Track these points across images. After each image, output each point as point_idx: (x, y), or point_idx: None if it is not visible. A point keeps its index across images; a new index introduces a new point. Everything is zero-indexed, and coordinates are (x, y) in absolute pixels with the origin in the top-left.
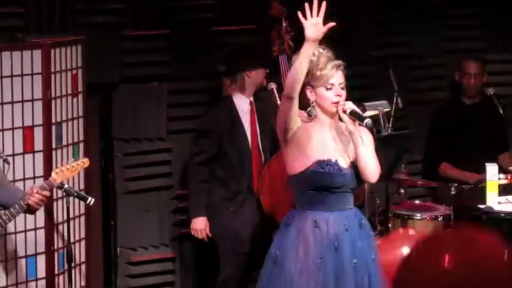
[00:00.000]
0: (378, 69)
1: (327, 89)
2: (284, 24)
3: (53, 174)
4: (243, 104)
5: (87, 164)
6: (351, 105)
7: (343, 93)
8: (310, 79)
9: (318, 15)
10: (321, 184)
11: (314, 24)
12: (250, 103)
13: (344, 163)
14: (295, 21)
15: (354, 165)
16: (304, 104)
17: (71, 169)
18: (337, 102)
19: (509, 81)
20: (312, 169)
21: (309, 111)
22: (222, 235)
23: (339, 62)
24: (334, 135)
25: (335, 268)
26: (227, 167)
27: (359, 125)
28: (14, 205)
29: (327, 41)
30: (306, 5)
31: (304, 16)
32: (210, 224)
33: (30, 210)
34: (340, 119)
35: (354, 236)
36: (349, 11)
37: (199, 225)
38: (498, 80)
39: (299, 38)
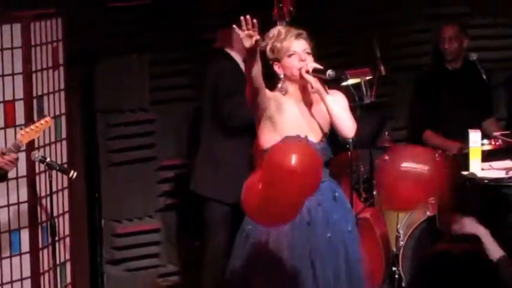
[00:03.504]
0: (361, 36)
1: (289, 56)
2: None
3: (18, 136)
4: (239, 61)
5: (50, 123)
6: (312, 64)
7: (309, 57)
8: (276, 54)
9: (252, 27)
10: None
11: (248, 35)
12: (244, 61)
13: (315, 138)
14: None
15: (328, 138)
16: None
17: (35, 129)
18: (300, 69)
19: (493, 46)
20: None
21: (279, 87)
22: (221, 196)
23: (299, 31)
24: (307, 109)
25: (309, 242)
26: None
27: (324, 78)
28: None
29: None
30: (242, 18)
31: (240, 28)
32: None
33: (1, 174)
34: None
35: (328, 209)
36: None
37: None
38: (482, 45)
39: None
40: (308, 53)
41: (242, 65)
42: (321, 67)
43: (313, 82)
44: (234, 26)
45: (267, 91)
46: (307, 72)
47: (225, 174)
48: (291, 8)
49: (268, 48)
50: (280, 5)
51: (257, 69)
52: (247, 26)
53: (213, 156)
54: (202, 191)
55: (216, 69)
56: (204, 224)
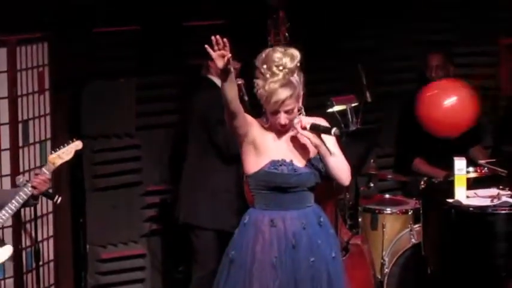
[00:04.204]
0: (347, 62)
1: (272, 114)
2: (281, 15)
3: (49, 158)
4: None
5: (80, 146)
6: (307, 120)
7: (290, 117)
8: (260, 99)
9: (224, 47)
10: (275, 184)
11: (220, 55)
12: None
13: (300, 163)
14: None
15: (312, 164)
16: None
17: (66, 152)
18: (284, 126)
19: (478, 74)
20: (265, 169)
21: (262, 117)
22: (208, 223)
23: (285, 94)
24: (290, 134)
25: (293, 266)
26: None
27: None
28: (18, 193)
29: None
30: (213, 38)
31: (212, 49)
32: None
33: (35, 195)
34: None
35: (312, 234)
36: (318, 3)
37: None
38: (467, 72)
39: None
40: (290, 113)
41: None
42: (317, 123)
43: (312, 138)
44: (206, 46)
45: (248, 116)
46: (304, 128)
47: (214, 201)
48: (286, 34)
49: (255, 89)
50: (276, 30)
51: (233, 92)
52: (219, 46)
53: (201, 183)
54: (190, 218)
55: (204, 97)
56: (192, 251)
